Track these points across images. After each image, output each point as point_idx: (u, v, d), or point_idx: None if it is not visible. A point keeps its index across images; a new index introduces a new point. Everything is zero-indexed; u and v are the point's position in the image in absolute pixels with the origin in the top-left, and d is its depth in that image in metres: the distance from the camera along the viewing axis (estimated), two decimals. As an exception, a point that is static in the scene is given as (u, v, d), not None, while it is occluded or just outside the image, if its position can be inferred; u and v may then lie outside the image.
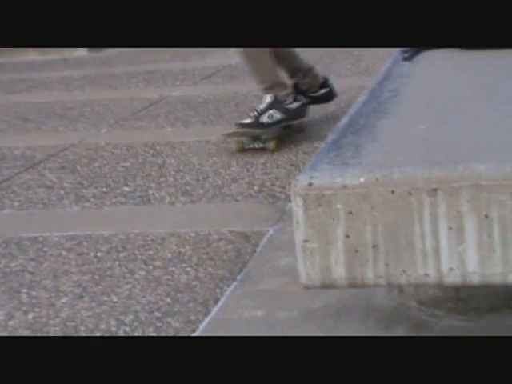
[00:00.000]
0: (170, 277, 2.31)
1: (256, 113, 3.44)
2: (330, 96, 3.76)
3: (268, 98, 3.45)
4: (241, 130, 3.42)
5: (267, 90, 3.46)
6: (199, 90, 4.83)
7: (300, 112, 3.53)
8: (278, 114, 3.44)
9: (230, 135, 3.47)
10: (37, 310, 2.19)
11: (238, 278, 2.25)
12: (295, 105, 3.50)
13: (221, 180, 3.11)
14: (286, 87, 3.50)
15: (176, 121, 4.13)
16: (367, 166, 1.65)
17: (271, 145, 3.42)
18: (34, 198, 3.12)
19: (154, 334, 1.99)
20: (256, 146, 3.43)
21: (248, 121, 3.45)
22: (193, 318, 2.05)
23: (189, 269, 2.35)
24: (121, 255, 2.49)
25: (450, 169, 1.58)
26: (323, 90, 3.71)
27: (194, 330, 1.97)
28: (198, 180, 3.13)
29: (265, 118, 3.41)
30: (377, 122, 1.93)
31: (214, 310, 2.07)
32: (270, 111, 3.42)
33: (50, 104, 4.81)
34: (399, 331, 1.84)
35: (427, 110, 1.99)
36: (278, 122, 3.45)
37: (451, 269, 1.57)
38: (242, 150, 3.41)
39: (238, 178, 3.11)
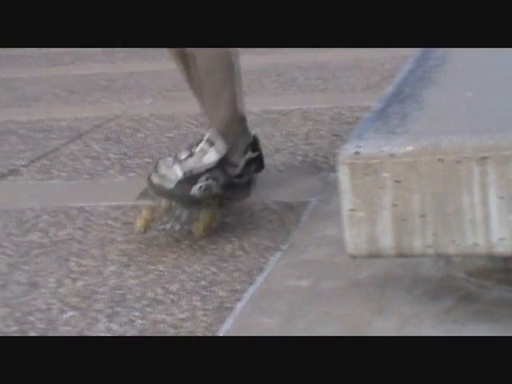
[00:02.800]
0: (214, 246, 2.33)
1: (185, 175, 2.12)
2: (257, 164, 2.38)
3: (213, 154, 2.13)
4: (156, 202, 2.16)
5: (217, 131, 2.18)
6: (242, 61, 4.81)
7: (245, 190, 2.30)
8: (216, 186, 2.16)
9: (141, 197, 2.24)
10: (85, 277, 2.22)
11: (283, 247, 2.26)
12: (244, 179, 2.26)
13: (263, 150, 3.10)
14: (246, 138, 2.28)
15: (219, 92, 4.12)
16: (414, 134, 1.63)
17: (198, 228, 2.22)
18: (80, 169, 3.15)
19: (200, 303, 2.00)
20: (168, 227, 2.23)
21: (171, 186, 2.12)
22: (238, 287, 2.06)
23: (233, 238, 2.36)
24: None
25: (499, 136, 1.55)
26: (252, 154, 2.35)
27: (239, 299, 1.99)
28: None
29: (196, 189, 2.12)
30: (423, 90, 1.90)
31: (259, 280, 2.08)
32: (209, 180, 2.12)
33: (95, 76, 4.84)
34: (447, 302, 1.83)
35: (474, 77, 1.96)
36: (211, 197, 2.18)
37: (501, 238, 1.55)
38: (148, 231, 2.27)
39: (281, 148, 3.10)
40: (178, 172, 2.12)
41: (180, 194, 2.13)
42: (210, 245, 2.34)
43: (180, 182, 2.12)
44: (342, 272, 2.03)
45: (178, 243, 2.38)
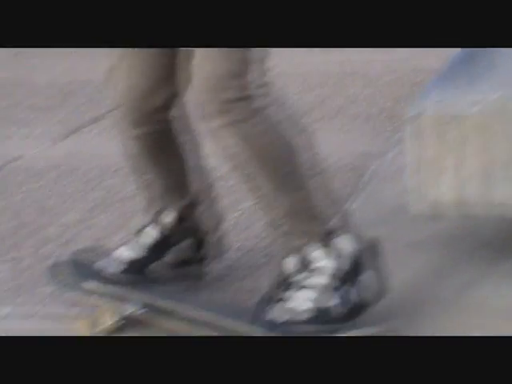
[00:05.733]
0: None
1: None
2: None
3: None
4: None
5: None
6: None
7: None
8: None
9: None
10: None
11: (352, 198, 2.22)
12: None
13: (341, 100, 3.05)
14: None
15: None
16: (482, 92, 1.61)
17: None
18: None
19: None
20: None
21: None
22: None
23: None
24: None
25: None
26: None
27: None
28: (318, 100, 3.07)
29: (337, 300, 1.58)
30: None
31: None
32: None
33: None
34: (508, 265, 1.81)
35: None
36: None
37: None
38: None
39: (359, 99, 3.05)
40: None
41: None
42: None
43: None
44: (403, 232, 2.02)
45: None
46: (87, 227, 2.25)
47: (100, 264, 1.78)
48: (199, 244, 1.79)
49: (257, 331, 1.54)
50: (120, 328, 1.71)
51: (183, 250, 1.79)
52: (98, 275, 1.76)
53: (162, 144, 1.74)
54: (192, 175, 1.79)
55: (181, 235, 1.77)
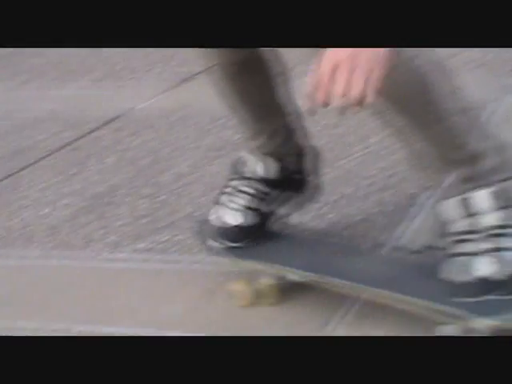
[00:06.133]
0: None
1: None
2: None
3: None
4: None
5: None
6: None
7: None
8: None
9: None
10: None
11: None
12: None
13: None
14: None
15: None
16: None
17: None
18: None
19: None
20: None
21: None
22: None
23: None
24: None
25: None
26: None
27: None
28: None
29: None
30: None
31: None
32: None
33: None
34: None
35: None
36: None
37: None
38: None
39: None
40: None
41: None
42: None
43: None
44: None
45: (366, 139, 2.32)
46: (200, 175, 2.30)
47: (215, 223, 1.69)
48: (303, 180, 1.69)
49: (426, 293, 1.27)
50: (278, 291, 1.64)
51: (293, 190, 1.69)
52: (221, 236, 1.67)
53: (250, 73, 1.65)
54: (284, 108, 1.67)
55: (286, 176, 1.67)
